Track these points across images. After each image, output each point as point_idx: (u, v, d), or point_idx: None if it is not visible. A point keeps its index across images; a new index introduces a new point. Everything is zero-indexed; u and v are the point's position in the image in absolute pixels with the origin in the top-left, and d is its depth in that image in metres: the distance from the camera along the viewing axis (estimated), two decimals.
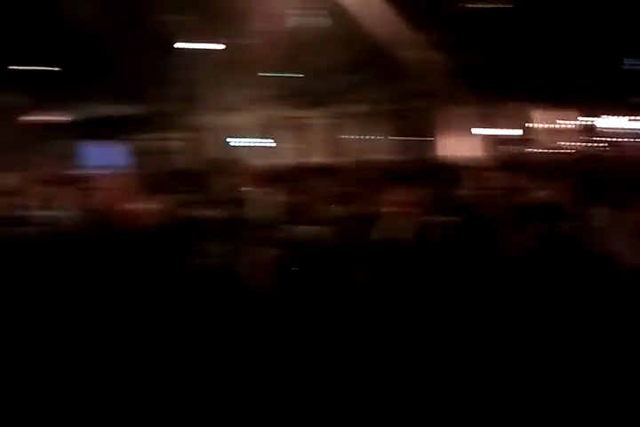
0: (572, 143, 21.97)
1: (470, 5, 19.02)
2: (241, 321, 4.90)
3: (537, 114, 22.19)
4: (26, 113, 24.30)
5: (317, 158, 17.88)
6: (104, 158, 16.19)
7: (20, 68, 20.54)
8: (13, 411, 4.40)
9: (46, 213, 8.20)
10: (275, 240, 5.97)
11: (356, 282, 5.41)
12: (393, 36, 18.18)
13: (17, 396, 4.49)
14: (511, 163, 12.90)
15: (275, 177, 11.48)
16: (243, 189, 9.89)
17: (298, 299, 5.15)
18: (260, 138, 21.30)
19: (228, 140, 21.21)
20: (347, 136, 21.42)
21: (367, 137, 21.51)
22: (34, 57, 20.09)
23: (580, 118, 22.82)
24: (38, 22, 17.44)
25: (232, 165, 14.88)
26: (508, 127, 22.04)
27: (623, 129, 22.72)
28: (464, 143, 19.80)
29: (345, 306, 5.14)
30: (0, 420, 4.36)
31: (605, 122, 23.09)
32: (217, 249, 5.90)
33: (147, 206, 7.96)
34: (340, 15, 17.93)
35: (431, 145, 20.81)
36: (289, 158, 17.62)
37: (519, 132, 22.25)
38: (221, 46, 19.32)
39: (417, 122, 20.92)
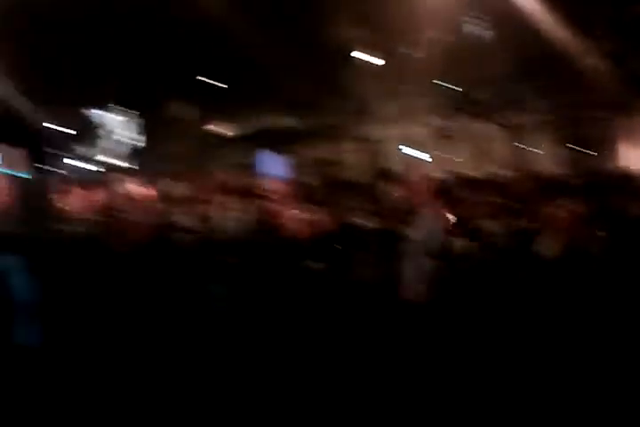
0: None
1: None
2: (398, 331, 4.98)
3: None
4: (200, 124, 25.76)
5: (481, 170, 17.65)
6: (275, 169, 16.77)
7: (197, 78, 21.75)
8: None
9: (218, 220, 8.62)
10: (434, 253, 6.00)
11: (516, 296, 5.36)
12: (565, 43, 17.66)
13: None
14: None
15: (438, 189, 11.44)
16: (407, 200, 9.92)
17: (454, 311, 5.18)
18: (427, 149, 21.29)
19: (398, 150, 21.33)
20: (514, 146, 20.99)
21: (534, 148, 20.95)
22: (208, 69, 21.25)
23: None
24: (212, 33, 18.33)
25: (400, 175, 14.93)
26: None
27: None
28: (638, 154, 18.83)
29: (503, 319, 5.12)
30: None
31: None
32: (376, 260, 6.02)
33: (312, 216, 8.26)
34: (510, 23, 17.63)
35: (603, 156, 19.96)
36: (451, 169, 17.52)
37: None
38: (391, 57, 19.51)
39: (589, 132, 20.15)
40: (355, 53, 19.29)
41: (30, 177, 10.00)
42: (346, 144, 22.44)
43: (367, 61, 19.12)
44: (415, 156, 21.29)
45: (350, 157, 22.34)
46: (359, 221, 8.36)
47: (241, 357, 4.77)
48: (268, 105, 21.96)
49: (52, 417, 4.61)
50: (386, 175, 14.95)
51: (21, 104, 22.89)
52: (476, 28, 19.01)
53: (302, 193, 11.45)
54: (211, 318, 5.09)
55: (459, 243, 6.47)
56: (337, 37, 18.60)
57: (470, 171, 16.61)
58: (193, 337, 4.89)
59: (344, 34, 18.61)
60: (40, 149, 25.81)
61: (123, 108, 28.16)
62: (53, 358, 4.73)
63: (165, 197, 12.12)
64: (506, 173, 14.98)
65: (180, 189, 14.63)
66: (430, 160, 20.63)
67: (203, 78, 21.98)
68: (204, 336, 4.92)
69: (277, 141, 22.25)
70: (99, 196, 11.98)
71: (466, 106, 19.87)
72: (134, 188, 14.12)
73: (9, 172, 14.95)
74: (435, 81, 19.29)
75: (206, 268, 5.47)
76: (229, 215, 9.05)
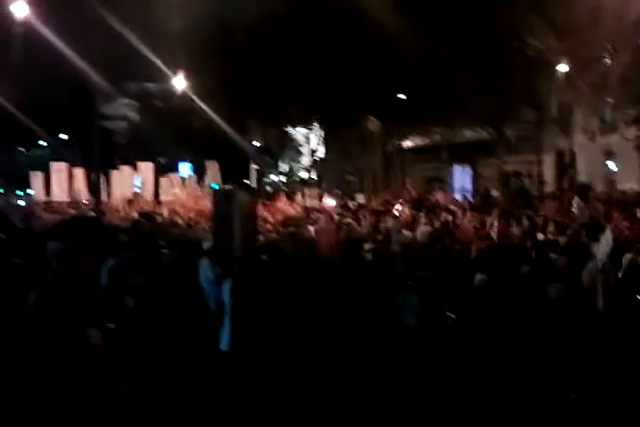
0: None
1: None
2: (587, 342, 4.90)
3: None
4: (390, 138, 26.20)
5: None
6: (464, 182, 16.81)
7: (388, 94, 22.17)
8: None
9: (405, 232, 8.85)
10: (610, 267, 5.86)
11: None
12: None
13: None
14: None
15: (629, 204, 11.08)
16: (597, 215, 9.67)
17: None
18: (624, 160, 20.25)
19: (599, 162, 20.45)
20: None
21: None
22: (398, 84, 21.60)
23: None
24: (402, 50, 18.62)
25: (593, 189, 14.49)
26: None
27: None
28: None
29: None
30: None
31: None
32: (562, 274, 5.96)
33: (499, 229, 8.31)
34: None
35: None
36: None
37: None
38: (588, 67, 18.75)
39: None
40: (550, 64, 18.80)
41: (229, 189, 10.76)
42: (538, 156, 21.91)
43: (563, 72, 18.54)
44: (611, 168, 20.39)
45: (542, 170, 21.80)
46: (547, 235, 8.29)
47: (429, 367, 4.86)
48: (459, 118, 21.93)
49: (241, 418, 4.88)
50: (579, 188, 14.50)
51: (225, 122, 24.52)
52: None
53: (490, 206, 11.46)
54: (397, 328, 5.20)
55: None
56: (532, 48, 18.25)
57: None
58: (383, 347, 5.01)
59: (539, 44, 18.22)
60: (239, 162, 27.50)
61: (316, 124, 29.34)
62: (247, 362, 5.00)
63: (354, 210, 12.62)
64: None
65: (368, 201, 15.11)
66: (625, 172, 19.64)
67: (393, 94, 22.37)
68: (393, 346, 5.04)
69: (467, 154, 22.15)
70: (292, 208, 12.72)
71: None
72: (325, 201, 14.76)
73: (213, 185, 16.19)
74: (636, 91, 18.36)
75: (393, 279, 5.60)
76: (416, 228, 9.25)
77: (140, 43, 19.86)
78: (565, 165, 21.23)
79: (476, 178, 18.81)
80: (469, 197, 14.58)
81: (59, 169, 16.42)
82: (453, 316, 5.07)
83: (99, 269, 3.38)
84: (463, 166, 17.39)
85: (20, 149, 35.49)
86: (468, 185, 16.66)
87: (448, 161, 21.92)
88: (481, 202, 13.56)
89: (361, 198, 16.24)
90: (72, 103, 22.56)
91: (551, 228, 8.33)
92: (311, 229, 8.38)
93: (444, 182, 20.51)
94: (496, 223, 8.30)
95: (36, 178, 17.13)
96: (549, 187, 20.44)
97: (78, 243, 3.12)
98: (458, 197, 14.31)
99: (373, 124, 25.15)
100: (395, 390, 4.53)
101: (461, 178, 16.84)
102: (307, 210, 12.60)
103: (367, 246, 7.03)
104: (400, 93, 22.12)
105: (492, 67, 18.10)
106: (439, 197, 14.02)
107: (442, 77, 18.28)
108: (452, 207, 11.25)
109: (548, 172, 21.92)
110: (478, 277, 5.68)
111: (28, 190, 18.92)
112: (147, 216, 7.53)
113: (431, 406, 4.46)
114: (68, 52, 19.32)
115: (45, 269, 3.44)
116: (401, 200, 13.39)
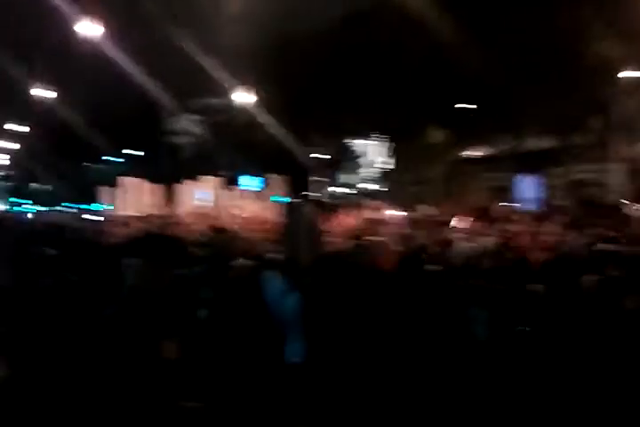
0: None
1: None
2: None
3: None
4: (454, 148, 25.99)
5: None
6: (530, 192, 16.59)
7: (450, 104, 22.03)
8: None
9: (469, 245, 8.74)
10: None
11: None
12: None
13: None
14: None
15: None
16: None
17: None
18: None
19: None
20: None
21: None
22: (461, 94, 21.45)
23: None
24: (466, 58, 18.51)
25: None
26: None
27: None
28: None
29: None
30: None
31: None
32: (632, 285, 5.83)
33: (565, 239, 8.14)
34: None
35: None
36: None
37: None
38: None
39: None
40: (617, 69, 18.44)
41: (296, 202, 10.83)
42: (606, 164, 21.43)
43: (632, 78, 18.15)
44: None
45: (610, 178, 21.31)
46: (615, 245, 8.10)
47: (506, 380, 4.79)
48: (524, 127, 21.63)
49: None
50: None
51: (286, 134, 24.76)
52: None
53: (557, 216, 11.26)
54: (471, 341, 5.14)
55: None
56: (598, 54, 17.93)
57: None
58: (457, 360, 4.96)
59: (606, 50, 17.89)
60: (303, 175, 27.68)
61: (378, 135, 29.33)
62: (318, 374, 5.00)
63: (417, 222, 12.54)
64: None
65: (431, 212, 15.00)
66: None
67: (457, 103, 22.22)
68: (467, 359, 4.99)
69: (533, 164, 21.82)
70: (355, 220, 12.71)
71: None
72: (387, 212, 14.72)
73: (276, 198, 16.33)
74: None
75: (466, 292, 5.54)
76: (479, 240, 9.14)
77: (203, 58, 20.26)
78: (635, 173, 20.73)
79: (542, 188, 18.54)
80: (536, 208, 14.38)
81: (128, 184, 16.77)
82: (526, 328, 4.99)
83: (173, 284, 3.45)
84: (529, 176, 17.17)
85: (87, 164, 36.43)
86: (535, 195, 16.44)
87: (513, 171, 21.63)
88: (548, 212, 13.34)
89: (424, 209, 16.17)
90: (138, 119, 23.11)
91: (623, 239, 8.14)
92: (377, 240, 8.36)
93: (509, 192, 20.25)
94: (562, 233, 8.13)
95: (105, 193, 17.54)
96: (619, 196, 19.97)
97: (154, 259, 3.21)
98: (524, 207, 14.13)
99: (437, 134, 25.01)
100: (472, 404, 4.49)
101: (527, 188, 16.63)
102: (370, 222, 12.59)
103: (430, 258, 6.98)
104: (464, 102, 21.95)
105: (558, 74, 17.84)
106: (504, 207, 13.85)
107: (506, 85, 18.10)
108: (517, 218, 11.08)
109: (618, 180, 21.41)
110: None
111: (97, 205, 19.40)
112: (216, 230, 7.64)
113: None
114: (133, 69, 19.83)
115: (119, 285, 3.52)
116: (465, 211, 13.27)
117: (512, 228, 9.63)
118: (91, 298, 4.72)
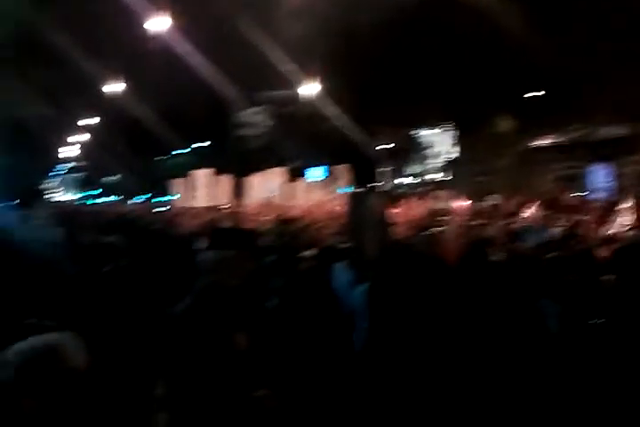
0: None
1: None
2: None
3: None
4: (522, 137, 25.57)
5: None
6: (601, 181, 16.19)
7: (518, 93, 21.67)
8: None
9: (540, 234, 8.64)
10: None
11: None
12: None
13: None
14: None
15: None
16: None
17: None
18: None
19: None
20: None
21: None
22: (530, 82, 21.08)
23: None
24: (534, 47, 18.20)
25: None
26: None
27: None
28: None
29: None
30: None
31: None
32: None
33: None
34: None
35: None
36: None
37: None
38: None
39: None
40: None
41: (363, 193, 10.87)
42: None
43: None
44: None
45: None
46: None
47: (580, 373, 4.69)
48: (596, 114, 21.14)
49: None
50: None
51: (351, 125, 24.81)
52: None
53: (628, 205, 11.01)
54: (543, 334, 5.07)
55: None
56: None
57: None
58: (529, 354, 4.90)
59: None
60: (369, 166, 27.69)
61: (445, 125, 29.10)
62: (384, 366, 5.03)
63: (485, 212, 12.44)
64: None
65: (500, 203, 14.85)
66: None
67: (527, 91, 21.84)
68: (539, 352, 4.92)
69: (606, 152, 21.29)
70: (421, 210, 12.68)
71: None
72: (454, 203, 14.63)
73: (344, 189, 16.42)
74: None
75: (536, 283, 5.46)
76: (549, 230, 9.04)
77: (269, 52, 20.46)
78: None
79: (614, 177, 18.07)
80: (608, 197, 14.07)
81: (200, 176, 17.12)
82: (599, 320, 4.90)
83: (250, 275, 3.53)
84: (600, 165, 16.80)
85: (158, 158, 37.19)
86: (608, 184, 16.08)
87: (585, 159, 21.17)
88: (620, 201, 13.05)
89: (492, 199, 15.98)
90: (208, 112, 23.48)
91: None
92: (444, 230, 8.36)
93: (580, 182, 19.84)
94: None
95: (177, 185, 17.95)
96: None
97: (232, 252, 3.29)
98: (595, 196, 13.86)
99: (506, 123, 24.65)
100: (550, 401, 4.44)
101: (599, 177, 16.28)
102: (437, 212, 12.55)
103: (499, 249, 6.92)
104: (533, 90, 21.59)
105: (631, 59, 17.37)
106: (574, 197, 13.62)
107: (577, 72, 17.72)
108: (587, 207, 10.92)
109: None
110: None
111: (169, 197, 19.85)
112: (284, 221, 7.76)
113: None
114: (201, 63, 20.16)
115: (191, 277, 3.62)
116: (534, 201, 13.08)
117: (582, 218, 9.51)
118: (160, 290, 4.84)
